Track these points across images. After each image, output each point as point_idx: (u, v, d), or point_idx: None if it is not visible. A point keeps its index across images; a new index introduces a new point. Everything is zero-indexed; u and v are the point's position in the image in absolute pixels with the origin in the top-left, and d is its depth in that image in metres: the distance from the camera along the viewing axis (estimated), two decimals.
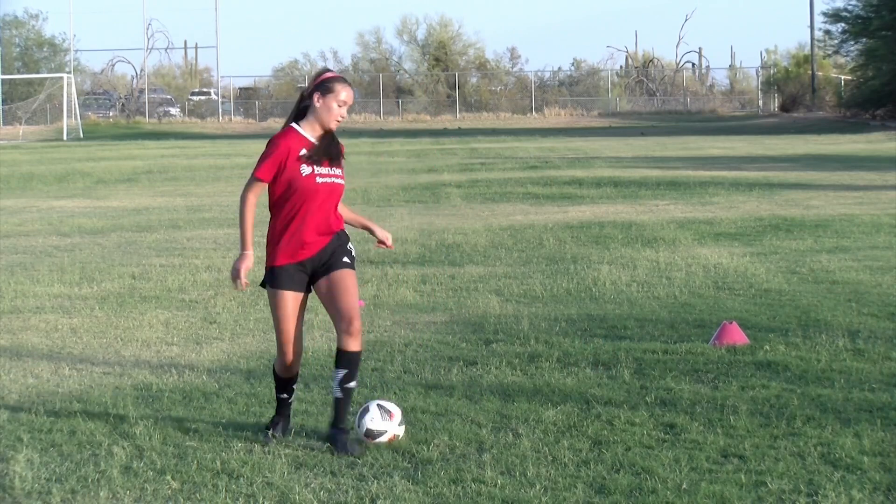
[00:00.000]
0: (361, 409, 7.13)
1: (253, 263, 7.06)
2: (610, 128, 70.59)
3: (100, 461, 6.83)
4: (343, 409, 7.06)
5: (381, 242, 7.48)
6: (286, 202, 7.03)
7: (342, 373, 7.04)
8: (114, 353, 9.83)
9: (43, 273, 14.30)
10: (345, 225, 7.24)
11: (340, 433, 7.02)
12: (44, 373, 9.13)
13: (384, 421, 7.04)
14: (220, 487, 6.36)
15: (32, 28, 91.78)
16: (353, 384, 7.06)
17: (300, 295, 7.09)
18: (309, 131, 7.10)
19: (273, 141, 7.08)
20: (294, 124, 7.13)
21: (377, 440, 7.02)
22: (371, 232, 7.44)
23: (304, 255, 7.04)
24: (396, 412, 7.11)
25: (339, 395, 7.05)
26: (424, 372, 8.91)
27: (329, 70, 7.31)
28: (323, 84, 7.10)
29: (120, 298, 12.46)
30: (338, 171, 7.12)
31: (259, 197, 7.07)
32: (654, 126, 69.87)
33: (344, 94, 7.09)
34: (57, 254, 16.29)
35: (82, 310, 11.84)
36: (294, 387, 7.37)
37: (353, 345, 7.02)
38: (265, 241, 7.16)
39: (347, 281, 7.04)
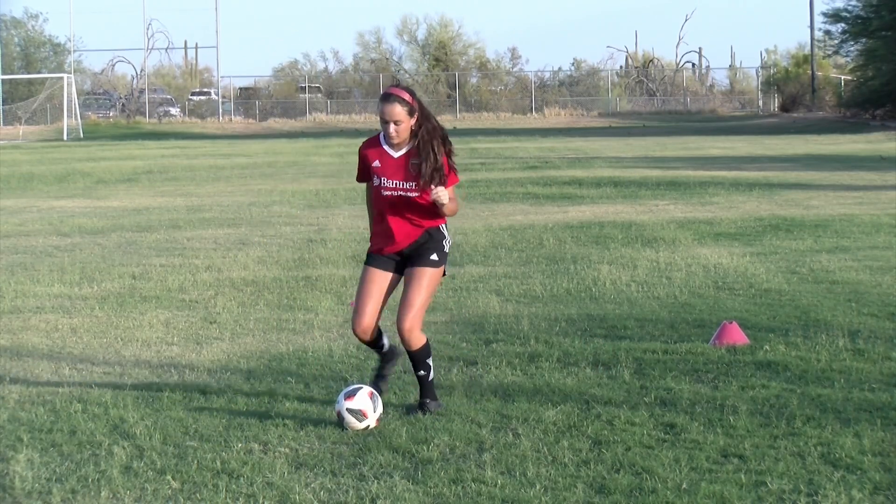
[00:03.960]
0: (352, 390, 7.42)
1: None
2: (610, 128, 70.57)
3: (100, 461, 6.83)
4: (424, 387, 7.71)
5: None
6: (375, 203, 7.64)
7: (411, 363, 7.74)
8: (114, 353, 9.83)
9: (43, 273, 14.30)
10: (446, 221, 7.64)
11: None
12: (44, 373, 9.13)
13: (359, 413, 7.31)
14: (220, 487, 6.36)
15: (33, 28, 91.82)
16: (422, 372, 7.65)
17: (387, 275, 7.59)
18: (390, 142, 7.54)
19: (360, 147, 7.67)
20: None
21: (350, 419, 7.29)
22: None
23: (390, 251, 7.56)
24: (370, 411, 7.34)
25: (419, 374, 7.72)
26: None
27: (391, 86, 7.72)
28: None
29: (120, 298, 12.47)
30: (410, 185, 7.46)
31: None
32: (647, 126, 69.85)
33: (382, 111, 7.47)
34: (57, 254, 16.29)
35: (82, 310, 11.84)
36: (384, 341, 7.83)
37: (402, 335, 7.52)
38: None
39: (421, 278, 7.50)
